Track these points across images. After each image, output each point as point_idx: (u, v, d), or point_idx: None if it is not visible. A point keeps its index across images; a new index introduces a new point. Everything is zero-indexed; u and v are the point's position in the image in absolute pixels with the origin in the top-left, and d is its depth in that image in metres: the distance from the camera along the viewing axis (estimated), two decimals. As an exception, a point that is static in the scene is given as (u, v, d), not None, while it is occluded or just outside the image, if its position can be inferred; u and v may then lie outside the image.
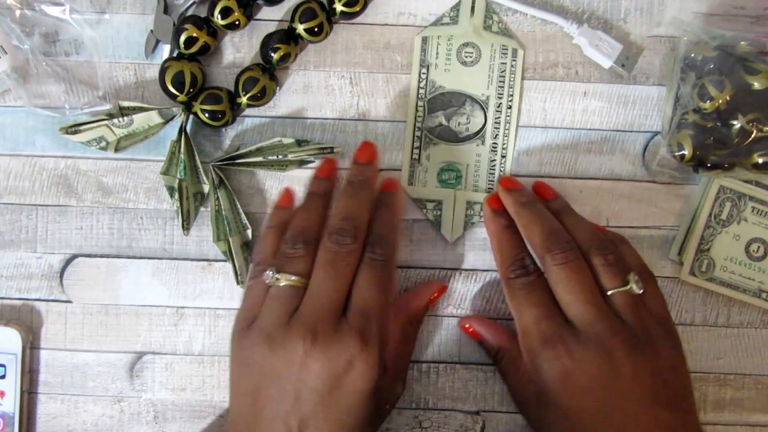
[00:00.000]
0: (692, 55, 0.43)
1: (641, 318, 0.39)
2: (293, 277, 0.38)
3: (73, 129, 0.43)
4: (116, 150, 0.44)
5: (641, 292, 0.39)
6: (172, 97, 0.43)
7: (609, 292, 0.39)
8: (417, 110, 0.45)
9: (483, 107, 0.45)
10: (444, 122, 0.45)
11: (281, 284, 0.38)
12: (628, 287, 0.39)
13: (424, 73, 0.44)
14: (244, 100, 0.44)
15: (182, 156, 0.43)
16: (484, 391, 0.46)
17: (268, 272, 0.39)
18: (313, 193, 0.43)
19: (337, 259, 0.38)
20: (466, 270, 0.46)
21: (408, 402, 0.46)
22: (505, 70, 0.44)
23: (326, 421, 0.36)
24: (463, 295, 0.46)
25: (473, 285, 0.46)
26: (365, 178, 0.43)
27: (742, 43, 0.42)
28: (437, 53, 0.44)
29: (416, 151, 0.45)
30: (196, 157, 0.44)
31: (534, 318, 0.39)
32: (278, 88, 0.45)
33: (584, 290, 0.39)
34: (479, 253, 0.46)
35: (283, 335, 0.37)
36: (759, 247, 0.45)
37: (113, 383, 0.46)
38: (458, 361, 0.46)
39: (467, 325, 0.45)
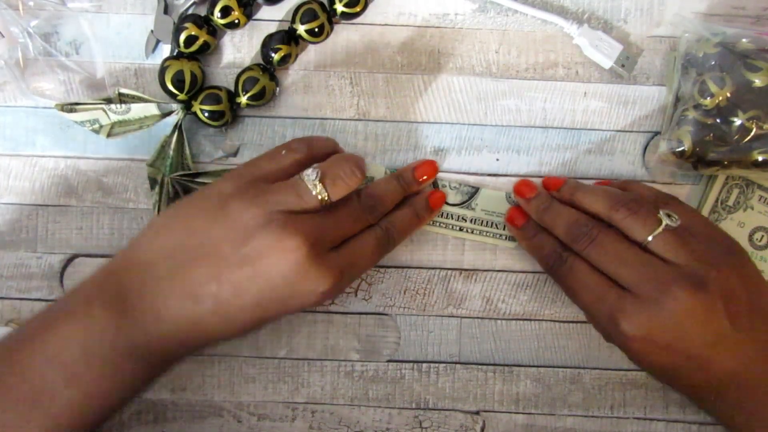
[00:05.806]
0: (693, 51, 0.43)
1: (691, 250, 0.37)
2: (326, 193, 0.39)
3: (70, 107, 0.43)
4: (109, 135, 0.44)
5: (678, 223, 0.38)
6: (172, 96, 0.43)
7: (649, 240, 0.38)
8: None
9: None
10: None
11: (311, 184, 0.38)
12: (662, 225, 0.38)
13: None
14: (243, 99, 0.44)
15: (171, 152, 0.43)
16: (484, 391, 0.46)
17: (312, 171, 0.39)
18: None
19: (360, 219, 0.41)
20: (466, 270, 0.46)
21: (408, 402, 0.46)
22: None
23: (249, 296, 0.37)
24: (463, 295, 0.46)
25: (473, 285, 0.46)
26: (413, 183, 0.44)
27: (744, 40, 0.42)
28: None
29: None
30: (185, 156, 0.44)
31: (588, 300, 0.40)
32: (278, 88, 0.45)
33: (621, 256, 0.38)
34: (479, 253, 0.46)
35: (283, 222, 0.37)
36: (762, 236, 0.45)
37: (113, 383, 0.46)
38: (458, 361, 0.46)
39: None
